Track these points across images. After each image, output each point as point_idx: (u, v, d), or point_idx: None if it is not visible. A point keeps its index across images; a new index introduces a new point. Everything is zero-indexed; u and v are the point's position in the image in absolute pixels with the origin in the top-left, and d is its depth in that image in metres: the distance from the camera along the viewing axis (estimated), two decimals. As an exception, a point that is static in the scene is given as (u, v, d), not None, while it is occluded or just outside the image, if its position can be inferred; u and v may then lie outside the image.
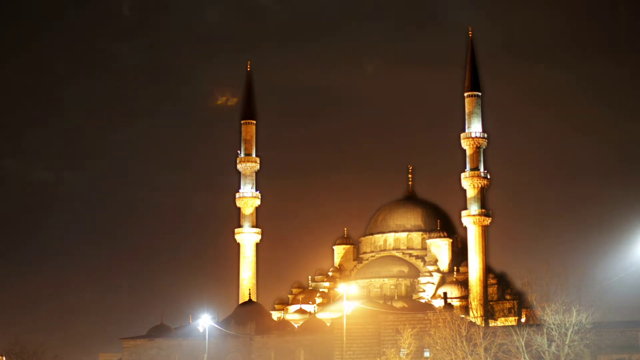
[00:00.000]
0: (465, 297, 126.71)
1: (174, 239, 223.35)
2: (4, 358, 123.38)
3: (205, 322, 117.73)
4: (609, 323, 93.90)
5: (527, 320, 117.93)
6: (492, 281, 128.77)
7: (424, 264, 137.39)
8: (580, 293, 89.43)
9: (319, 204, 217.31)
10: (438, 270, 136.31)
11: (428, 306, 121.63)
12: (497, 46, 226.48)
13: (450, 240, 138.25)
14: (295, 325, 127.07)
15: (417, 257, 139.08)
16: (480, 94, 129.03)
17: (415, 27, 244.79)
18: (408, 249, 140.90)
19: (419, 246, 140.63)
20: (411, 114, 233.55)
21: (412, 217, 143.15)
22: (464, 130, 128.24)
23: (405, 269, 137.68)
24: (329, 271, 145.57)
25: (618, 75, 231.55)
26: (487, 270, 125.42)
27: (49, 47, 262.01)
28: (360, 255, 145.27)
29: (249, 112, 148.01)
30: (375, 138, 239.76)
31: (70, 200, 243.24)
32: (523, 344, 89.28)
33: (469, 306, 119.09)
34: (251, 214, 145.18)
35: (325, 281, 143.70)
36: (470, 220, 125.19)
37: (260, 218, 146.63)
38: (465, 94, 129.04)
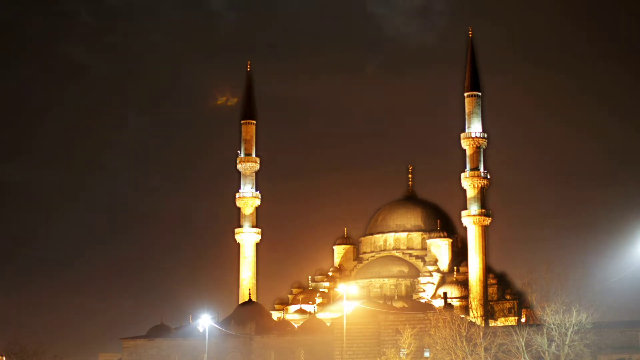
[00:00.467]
0: (465, 297, 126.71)
1: (174, 239, 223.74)
2: (4, 358, 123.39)
3: (205, 322, 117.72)
4: (609, 323, 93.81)
5: (527, 320, 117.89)
6: (492, 281, 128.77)
7: (424, 264, 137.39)
8: (580, 293, 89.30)
9: (319, 204, 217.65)
10: (438, 270, 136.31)
11: (428, 306, 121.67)
12: (497, 46, 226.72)
13: (450, 240, 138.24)
14: (295, 325, 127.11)
15: (417, 257, 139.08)
16: (480, 94, 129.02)
17: (415, 27, 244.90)
18: (408, 249, 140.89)
19: (419, 246, 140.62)
20: (411, 114, 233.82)
21: (412, 217, 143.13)
22: (464, 130, 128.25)
23: (405, 269, 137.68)
24: (329, 271, 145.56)
25: (617, 76, 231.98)
26: (487, 270, 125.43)
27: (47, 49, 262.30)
28: (360, 255, 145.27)
29: (249, 112, 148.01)
30: (375, 138, 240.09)
31: (70, 201, 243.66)
32: (523, 344, 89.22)
33: (469, 306, 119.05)
34: (251, 214, 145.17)
35: (325, 281, 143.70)
36: (470, 220, 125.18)
37: (260, 218, 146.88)
38: (465, 94, 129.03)
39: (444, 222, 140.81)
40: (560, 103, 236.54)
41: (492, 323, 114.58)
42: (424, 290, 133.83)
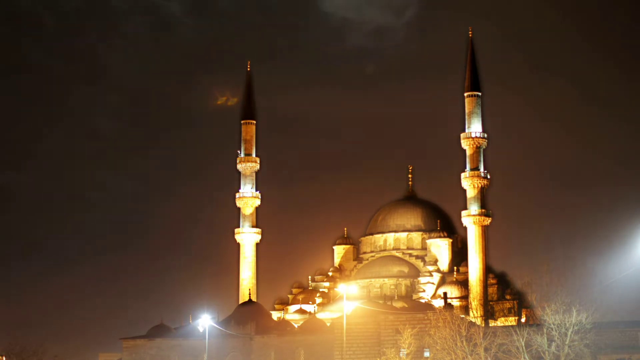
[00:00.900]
0: (465, 297, 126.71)
1: (174, 240, 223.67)
2: (4, 358, 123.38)
3: (205, 322, 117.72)
4: (609, 323, 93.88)
5: (527, 320, 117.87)
6: (492, 281, 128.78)
7: (424, 264, 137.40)
8: (580, 293, 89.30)
9: (319, 204, 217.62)
10: (438, 270, 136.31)
11: (428, 306, 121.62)
12: (497, 46, 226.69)
13: (450, 240, 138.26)
14: (295, 325, 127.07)
15: (417, 257, 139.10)
16: (480, 94, 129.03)
17: (415, 27, 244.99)
18: (408, 249, 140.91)
19: (419, 246, 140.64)
20: (411, 114, 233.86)
21: (412, 217, 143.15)
22: (464, 130, 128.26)
23: (405, 269, 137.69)
24: (329, 271, 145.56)
25: (617, 76, 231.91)
26: (487, 270, 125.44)
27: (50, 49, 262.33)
28: (360, 255, 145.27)
29: (249, 112, 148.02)
30: (375, 138, 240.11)
31: (70, 202, 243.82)
32: (523, 344, 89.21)
33: (469, 306, 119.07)
34: (251, 214, 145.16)
35: (325, 281, 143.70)
36: (470, 220, 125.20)
37: (260, 218, 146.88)
38: (465, 94, 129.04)
39: (444, 222, 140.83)
40: (560, 103, 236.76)
41: (492, 323, 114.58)
42: (424, 290, 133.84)
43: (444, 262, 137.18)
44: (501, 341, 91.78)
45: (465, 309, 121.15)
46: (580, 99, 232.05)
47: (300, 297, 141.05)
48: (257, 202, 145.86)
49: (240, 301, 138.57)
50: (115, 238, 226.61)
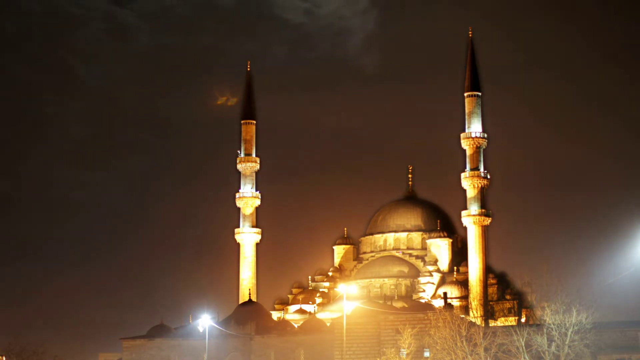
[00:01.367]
0: (465, 297, 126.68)
1: (174, 239, 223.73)
2: (4, 358, 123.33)
3: (205, 322, 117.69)
4: (609, 323, 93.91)
5: (527, 320, 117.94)
6: (492, 281, 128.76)
7: (424, 264, 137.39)
8: (580, 293, 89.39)
9: (319, 204, 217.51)
10: (438, 270, 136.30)
11: (428, 306, 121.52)
12: (497, 46, 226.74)
13: (450, 240, 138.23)
14: (295, 325, 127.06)
15: (417, 257, 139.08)
16: (480, 94, 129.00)
17: (414, 27, 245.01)
18: (408, 249, 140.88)
19: (419, 246, 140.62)
20: (411, 114, 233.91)
21: (412, 217, 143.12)
22: (464, 130, 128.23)
23: (405, 269, 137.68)
24: (329, 271, 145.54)
25: (616, 76, 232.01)
26: (487, 270, 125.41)
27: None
28: (360, 255, 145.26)
29: (249, 112, 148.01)
30: (375, 138, 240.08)
31: (71, 201, 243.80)
32: (523, 344, 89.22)
33: (469, 306, 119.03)
34: (251, 214, 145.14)
35: (325, 281, 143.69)
36: (470, 220, 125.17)
37: (260, 218, 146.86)
38: (465, 94, 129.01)
39: (444, 222, 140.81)
40: (561, 103, 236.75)
41: (492, 323, 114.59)
42: (424, 290, 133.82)
43: (444, 262, 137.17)
44: (501, 341, 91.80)
45: (465, 309, 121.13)
46: (581, 99, 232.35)
47: (300, 297, 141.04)
48: (257, 202, 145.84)
49: (240, 301, 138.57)
50: (115, 238, 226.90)
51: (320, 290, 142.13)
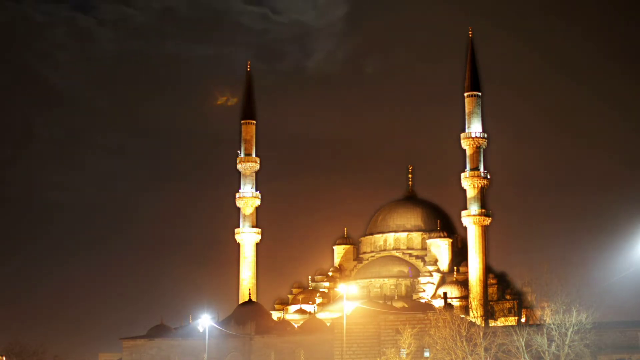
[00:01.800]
0: (465, 297, 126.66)
1: (174, 239, 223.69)
2: (4, 358, 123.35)
3: (205, 322, 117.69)
4: (609, 323, 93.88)
5: (527, 320, 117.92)
6: (492, 281, 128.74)
7: (424, 264, 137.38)
8: (580, 293, 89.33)
9: (319, 204, 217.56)
10: (438, 270, 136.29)
11: (428, 306, 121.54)
12: (497, 46, 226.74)
13: (450, 240, 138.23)
14: (295, 325, 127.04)
15: (417, 257, 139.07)
16: (480, 94, 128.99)
17: (415, 27, 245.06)
18: (408, 249, 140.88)
19: (419, 246, 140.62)
20: (411, 114, 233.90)
21: (412, 217, 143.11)
22: (464, 130, 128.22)
23: (405, 269, 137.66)
24: (329, 271, 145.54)
25: (617, 76, 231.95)
26: (487, 270, 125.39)
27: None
28: (360, 255, 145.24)
29: (249, 112, 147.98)
30: (375, 138, 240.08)
31: (70, 201, 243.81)
32: (523, 344, 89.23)
33: (469, 306, 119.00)
34: (251, 214, 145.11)
35: (325, 281, 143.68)
36: (470, 220, 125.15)
37: (260, 218, 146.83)
38: (465, 94, 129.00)
39: (444, 222, 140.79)
40: (560, 103, 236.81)
41: (492, 323, 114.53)
42: (424, 290, 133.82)
43: (444, 262, 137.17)
44: (501, 341, 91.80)
45: (465, 309, 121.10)
46: (581, 99, 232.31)
47: (300, 297, 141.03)
48: (257, 202, 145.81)
49: (240, 301, 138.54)
50: (115, 238, 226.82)
51: (320, 290, 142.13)
